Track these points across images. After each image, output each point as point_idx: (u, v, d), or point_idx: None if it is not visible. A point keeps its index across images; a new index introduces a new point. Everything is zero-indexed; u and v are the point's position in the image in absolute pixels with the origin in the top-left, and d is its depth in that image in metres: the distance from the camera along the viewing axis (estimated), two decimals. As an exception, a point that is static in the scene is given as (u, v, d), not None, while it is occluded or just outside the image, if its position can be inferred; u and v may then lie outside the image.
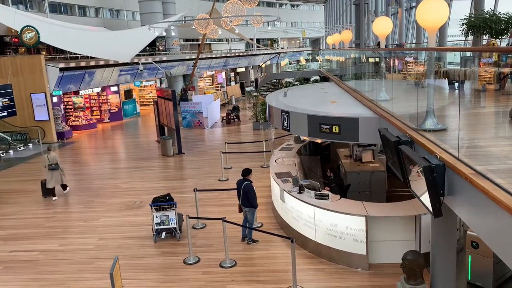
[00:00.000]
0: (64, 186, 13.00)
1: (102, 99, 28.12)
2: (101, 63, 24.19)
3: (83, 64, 23.27)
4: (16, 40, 25.19)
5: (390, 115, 6.60)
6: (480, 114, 6.91)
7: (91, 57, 24.36)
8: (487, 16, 11.04)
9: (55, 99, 21.81)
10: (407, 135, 5.33)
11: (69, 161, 15.05)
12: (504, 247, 3.09)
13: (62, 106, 23.04)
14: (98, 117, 27.69)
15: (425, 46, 12.11)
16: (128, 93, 30.47)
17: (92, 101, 28.15)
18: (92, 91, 26.80)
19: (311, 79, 27.29)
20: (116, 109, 28.14)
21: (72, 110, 25.77)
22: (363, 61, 12.69)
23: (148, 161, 16.76)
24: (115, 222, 10.62)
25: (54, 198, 12.56)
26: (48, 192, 12.68)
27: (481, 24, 10.87)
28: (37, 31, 20.49)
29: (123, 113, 28.52)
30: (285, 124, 9.34)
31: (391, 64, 10.16)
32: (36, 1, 28.50)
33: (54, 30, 23.89)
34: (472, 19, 11.44)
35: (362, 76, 12.01)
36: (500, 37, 10.77)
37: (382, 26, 8.32)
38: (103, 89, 27.42)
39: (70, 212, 11.77)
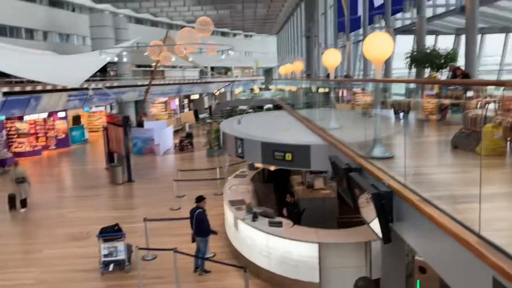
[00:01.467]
0: (23, 203, 13.45)
1: (49, 125, 26.99)
2: (49, 87, 23.35)
3: (29, 88, 22.35)
4: (-44, 62, 23.87)
5: (340, 143, 6.79)
6: (425, 142, 7.25)
7: (38, 82, 23.46)
8: (428, 51, 11.78)
9: (-4, 125, 20.73)
10: (356, 163, 5.48)
11: (11, 190, 14.22)
12: (449, 271, 3.19)
13: (4, 132, 21.87)
14: (44, 143, 26.47)
15: (372, 77, 12.71)
16: (77, 119, 29.48)
17: (38, 127, 26.94)
18: (38, 116, 25.70)
19: (264, 107, 27.69)
20: (63, 135, 27.09)
21: (16, 136, 24.52)
22: (314, 91, 13.07)
23: (96, 190, 16.14)
24: (60, 254, 10.04)
25: (22, 210, 13.38)
26: (13, 206, 13.54)
27: (423, 58, 11.57)
28: (-21, 53, 19.59)
29: (71, 139, 27.49)
30: (239, 151, 9.36)
31: (340, 95, 10.53)
32: (-21, 23, 27.32)
33: (-2, 53, 22.89)
34: (415, 53, 12.16)
35: (313, 105, 12.34)
36: (440, 70, 11.49)
37: (331, 58, 8.64)
38: (50, 114, 26.38)
39: (9, 244, 11.02)
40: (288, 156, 7.96)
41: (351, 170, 5.25)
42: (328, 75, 13.33)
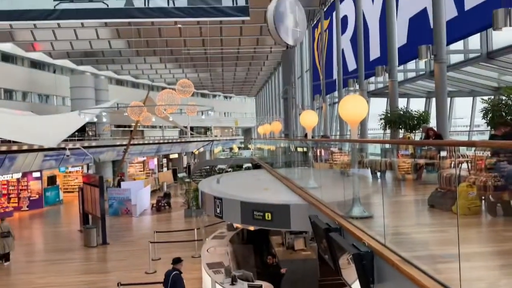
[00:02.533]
0: (7, 256, 14.05)
1: (22, 186, 26.27)
2: (25, 147, 23.00)
3: (3, 148, 21.96)
4: None
5: (319, 203, 6.79)
6: (402, 202, 7.32)
7: (14, 141, 23.13)
8: (401, 113, 12.24)
9: (-33, 185, 20.05)
10: (336, 222, 5.46)
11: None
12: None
13: (-26, 193, 21.14)
14: (16, 204, 25.59)
15: (348, 138, 13.01)
16: (52, 179, 28.84)
17: (11, 187, 26.19)
18: (12, 176, 25.06)
19: (243, 166, 27.77)
20: (37, 196, 26.32)
21: (-14, 197, 23.71)
22: (292, 150, 13.25)
23: (69, 253, 15.47)
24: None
25: (6, 263, 13.84)
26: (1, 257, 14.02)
27: (396, 119, 11.97)
28: (-46, 113, 19.36)
29: (45, 200, 26.69)
30: (218, 211, 9.24)
31: (318, 154, 10.69)
32: (-43, 83, 27.29)
33: (-25, 113, 22.68)
34: (389, 115, 12.60)
35: (292, 164, 12.45)
36: (414, 131, 11.88)
37: (308, 119, 8.88)
38: (24, 174, 25.77)
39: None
40: (268, 216, 7.88)
41: (331, 230, 5.21)
42: (306, 135, 13.61)
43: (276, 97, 41.47)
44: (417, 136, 12.04)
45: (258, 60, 39.40)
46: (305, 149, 11.56)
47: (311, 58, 27.60)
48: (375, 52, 16.45)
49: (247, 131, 76.32)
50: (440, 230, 5.21)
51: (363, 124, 16.35)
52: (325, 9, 23.29)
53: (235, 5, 8.59)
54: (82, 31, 28.49)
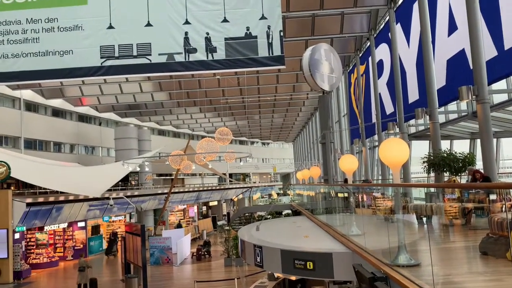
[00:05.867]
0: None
1: (68, 235, 27.00)
2: (71, 198, 23.85)
3: (51, 199, 22.86)
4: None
5: (363, 250, 6.55)
6: (451, 248, 6.95)
7: (61, 192, 24.07)
8: (445, 155, 11.86)
9: (17, 235, 20.80)
10: (382, 271, 5.23)
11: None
12: None
13: (23, 243, 21.87)
14: (61, 254, 26.21)
15: (391, 182, 12.66)
16: (96, 229, 29.49)
17: (57, 237, 26.95)
18: (58, 226, 25.86)
19: (283, 213, 27.43)
20: (81, 245, 26.89)
21: (34, 246, 24.45)
22: (332, 196, 13.01)
23: (111, 303, 15.50)
24: None
25: None
26: None
27: (440, 162, 11.60)
28: (8, 166, 20.43)
29: (89, 250, 27.20)
30: (258, 259, 9.06)
31: (360, 199, 10.44)
32: (11, 137, 29.05)
33: (26, 165, 23.94)
34: (432, 157, 12.24)
35: (332, 211, 12.18)
36: (459, 174, 11.43)
37: (348, 163, 8.76)
38: (70, 224, 26.54)
39: None
40: (310, 265, 7.64)
41: (377, 280, 4.99)
42: (346, 180, 13.37)
43: (314, 142, 41.40)
44: (463, 179, 11.57)
45: (295, 106, 39.83)
46: (346, 195, 11.32)
47: (348, 103, 27.63)
48: (413, 95, 16.29)
49: (285, 177, 75.98)
50: (496, 279, 4.87)
51: (405, 167, 15.94)
52: (360, 55, 23.52)
53: (271, 55, 8.84)
54: (126, 85, 30.02)
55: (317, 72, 13.55)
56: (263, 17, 8.87)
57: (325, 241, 8.91)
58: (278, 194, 48.79)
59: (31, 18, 8.42)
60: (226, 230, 25.93)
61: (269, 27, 8.86)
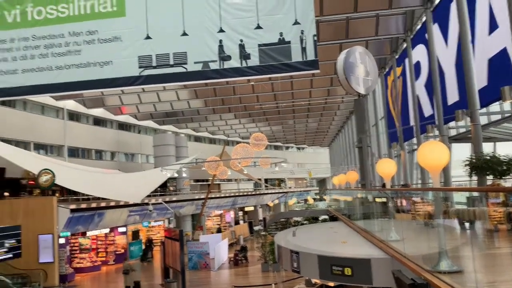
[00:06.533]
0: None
1: (109, 240, 27.81)
2: (112, 203, 24.57)
3: (94, 205, 23.64)
4: (32, 182, 26.07)
5: (403, 256, 6.41)
6: (496, 255, 6.68)
7: (103, 198, 24.86)
8: (488, 158, 11.42)
9: (62, 240, 21.62)
10: (422, 278, 5.09)
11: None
12: None
13: (68, 248, 22.68)
14: (103, 259, 27.02)
15: (431, 186, 12.30)
16: (136, 234, 30.21)
17: (99, 242, 27.80)
18: (100, 232, 26.68)
19: (320, 218, 27.15)
20: (122, 250, 27.62)
21: (78, 251, 25.33)
22: (370, 201, 12.78)
23: (151, 307, 15.83)
24: None
25: None
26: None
27: (483, 165, 11.18)
28: (53, 173, 21.29)
29: (129, 254, 27.89)
30: (295, 265, 9.03)
31: (399, 204, 10.21)
32: (56, 146, 30.28)
33: (70, 173, 24.88)
34: (474, 161, 11.81)
35: (370, 216, 11.97)
36: (503, 177, 10.97)
37: (385, 167, 8.61)
38: (111, 230, 27.33)
39: None
40: (348, 271, 7.55)
41: (417, 286, 4.87)
42: (384, 185, 13.11)
43: (351, 146, 40.84)
44: (508, 182, 11.09)
45: (329, 111, 39.47)
46: (384, 200, 11.11)
47: (385, 106, 27.10)
48: (453, 96, 15.81)
49: (321, 182, 75.24)
50: (545, 287, 4.64)
51: (446, 171, 15.46)
52: (396, 57, 23.07)
53: (304, 59, 8.84)
54: (163, 93, 30.74)
55: (352, 76, 13.40)
56: (296, 23, 8.88)
57: (363, 247, 8.77)
58: (314, 199, 48.33)
59: (73, 31, 8.80)
60: (262, 236, 25.96)
61: (302, 32, 8.86)
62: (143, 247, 29.68)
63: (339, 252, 8.39)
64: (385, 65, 25.92)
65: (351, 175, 17.87)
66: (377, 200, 11.68)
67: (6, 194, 25.34)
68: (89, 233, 25.82)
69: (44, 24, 8.85)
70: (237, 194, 43.52)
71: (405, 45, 20.86)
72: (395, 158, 25.39)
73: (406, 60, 20.82)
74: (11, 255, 18.68)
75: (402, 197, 10.96)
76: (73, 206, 21.93)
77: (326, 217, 24.30)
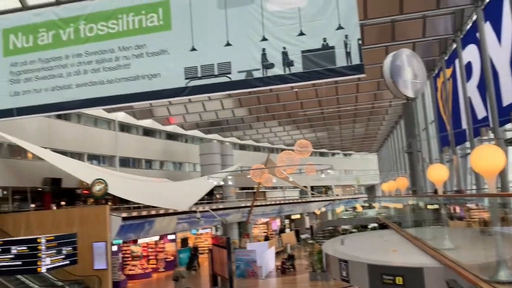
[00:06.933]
0: None
1: (159, 248, 28.49)
2: (161, 211, 25.20)
3: (144, 213, 24.34)
4: (86, 192, 27.27)
5: (457, 265, 6.12)
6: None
7: (152, 207, 25.57)
8: (549, 160, 10.72)
9: (114, 248, 22.37)
10: (478, 287, 4.84)
11: None
12: None
13: (120, 255, 23.44)
14: (154, 266, 27.71)
15: (486, 192, 11.71)
16: (184, 241, 30.77)
17: (150, 249, 28.56)
18: (151, 239, 27.40)
19: (369, 226, 26.52)
20: (172, 257, 28.20)
21: (130, 258, 26.12)
22: (422, 208, 12.34)
23: (200, 314, 16.03)
24: None
25: None
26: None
27: (543, 168, 10.51)
28: (106, 183, 22.14)
29: (179, 261, 28.44)
30: (344, 274, 8.85)
31: (452, 211, 9.79)
32: (108, 156, 31.52)
33: (122, 182, 25.81)
34: (533, 163, 11.12)
35: (422, 223, 11.55)
36: None
37: (437, 173, 8.30)
38: (161, 237, 28.00)
39: None
40: (399, 280, 7.30)
41: (474, 297, 4.64)
42: (435, 191, 12.63)
43: (400, 151, 39.69)
44: None
45: (377, 115, 38.61)
46: (436, 206, 10.69)
47: (435, 109, 26.14)
48: (508, 97, 15.00)
49: (370, 189, 73.51)
50: None
51: (502, 175, 14.66)
52: (446, 58, 22.24)
53: (349, 64, 8.71)
54: (209, 103, 31.32)
55: (399, 79, 13.05)
56: (340, 27, 8.78)
57: (415, 255, 8.47)
58: (362, 207, 47.27)
59: (123, 46, 9.17)
60: (310, 244, 25.67)
61: (346, 36, 8.75)
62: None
63: (390, 261, 8.14)
64: (434, 67, 25.07)
65: (401, 181, 17.32)
66: (429, 207, 11.26)
67: (62, 203, 26.68)
68: (140, 241, 26.59)
69: (96, 40, 9.28)
70: (282, 202, 43.36)
71: (454, 46, 20.09)
72: (447, 163, 24.39)
73: (456, 61, 20.02)
74: (68, 262, 19.54)
75: (455, 203, 10.51)
76: (124, 214, 22.67)
77: (376, 225, 23.70)
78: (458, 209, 10.36)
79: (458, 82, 20.26)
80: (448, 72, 22.04)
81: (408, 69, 12.94)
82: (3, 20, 9.88)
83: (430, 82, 25.72)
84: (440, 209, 10.32)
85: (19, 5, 14.72)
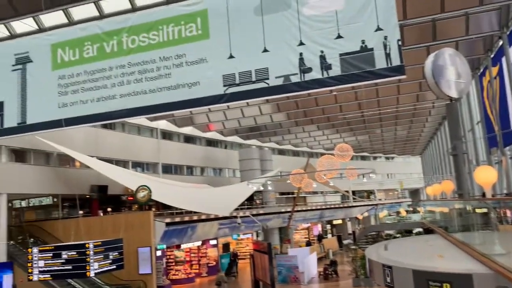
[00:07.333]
0: None
1: (202, 253, 28.88)
2: (203, 217, 25.57)
3: (186, 218, 24.78)
4: (131, 198, 28.09)
5: (509, 272, 5.85)
6: None
7: (195, 212, 25.98)
8: None
9: (158, 253, 22.87)
10: (535, 296, 4.61)
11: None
12: None
13: (164, 260, 23.93)
14: (197, 271, 28.09)
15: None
16: (226, 247, 31.03)
17: (192, 254, 29.00)
18: (193, 244, 27.82)
19: (413, 231, 25.76)
20: (214, 262, 28.49)
21: (173, 263, 26.62)
22: (469, 211, 11.88)
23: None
24: None
25: None
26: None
27: None
28: (149, 189, 22.72)
29: (221, 266, 28.71)
30: (388, 280, 8.65)
31: (503, 215, 9.36)
32: (151, 163, 32.36)
33: (164, 189, 26.40)
34: None
35: (470, 228, 11.11)
36: None
37: (484, 175, 8.00)
38: (203, 242, 28.36)
39: None
40: (446, 287, 7.06)
41: (528, 305, 4.42)
42: (483, 194, 12.13)
43: (445, 154, 38.37)
44: None
45: (419, 117, 37.53)
46: (485, 210, 10.26)
47: (481, 109, 25.12)
48: (562, 94, 14.23)
49: (414, 193, 71.40)
50: None
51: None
52: (492, 56, 21.37)
53: (389, 65, 8.53)
54: (247, 109, 31.56)
55: (442, 79, 12.66)
56: (378, 29, 8.64)
57: (462, 261, 8.17)
58: (406, 211, 45.96)
59: (163, 56, 9.41)
60: (352, 249, 25.24)
61: (385, 38, 8.59)
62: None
63: (436, 267, 7.88)
64: (479, 65, 24.14)
65: (447, 184, 16.80)
66: (477, 210, 10.83)
67: (109, 209, 27.60)
68: (183, 246, 27.05)
69: (138, 52, 9.58)
70: (323, 207, 42.88)
71: (501, 43, 19.27)
72: (496, 165, 23.35)
73: (503, 59, 19.18)
74: (114, 266, 20.17)
75: (505, 207, 10.05)
76: (168, 220, 23.16)
77: (421, 229, 23.00)
78: (508, 212, 9.89)
79: (506, 80, 19.40)
80: (495, 70, 21.15)
81: (451, 69, 12.55)
82: (51, 35, 10.37)
83: (475, 81, 24.77)
84: (489, 212, 9.91)
85: (65, 20, 15.51)
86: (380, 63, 8.46)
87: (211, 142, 39.54)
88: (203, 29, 9.20)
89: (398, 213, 47.89)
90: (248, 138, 41.96)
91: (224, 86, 8.95)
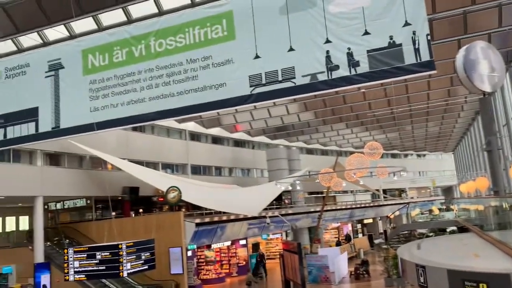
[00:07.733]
0: None
1: (231, 253, 29.03)
2: (232, 217, 25.70)
3: (216, 219, 24.97)
4: (161, 199, 28.53)
5: (551, 272, 5.62)
6: None
7: (224, 212, 26.15)
8: None
9: (189, 253, 23.12)
10: None
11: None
12: None
13: (195, 260, 24.18)
14: (227, 270, 28.26)
15: None
16: (256, 246, 31.08)
17: (222, 254, 29.20)
18: (223, 244, 28.00)
19: (447, 230, 25.10)
20: (244, 262, 28.59)
21: (204, 263, 26.87)
22: (506, 209, 11.49)
23: (274, 319, 16.07)
24: None
25: None
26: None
27: None
28: (179, 190, 23.01)
29: (250, 266, 28.78)
30: (421, 280, 8.46)
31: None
32: (180, 165, 32.77)
33: (194, 189, 26.68)
34: None
35: (507, 226, 10.74)
36: None
37: (522, 171, 7.67)
38: (233, 242, 28.51)
39: None
40: (483, 287, 6.84)
41: None
42: (521, 191, 11.69)
43: (479, 150, 37.23)
44: None
45: (451, 113, 36.56)
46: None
47: (516, 103, 24.28)
48: None
49: (447, 190, 69.62)
50: None
51: None
52: (527, 47, 20.61)
53: (418, 61, 8.32)
54: (274, 109, 31.52)
55: (474, 73, 12.29)
56: (406, 24, 8.44)
57: (499, 260, 7.90)
58: (439, 209, 44.83)
59: (190, 59, 9.49)
60: (384, 249, 24.82)
61: (414, 33, 8.38)
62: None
63: (472, 266, 7.65)
64: (514, 57, 23.31)
65: (481, 181, 16.31)
66: (515, 208, 10.46)
67: (140, 210, 28.13)
68: (213, 246, 27.26)
69: (165, 55, 9.69)
70: (353, 206, 42.35)
71: (536, 33, 18.56)
72: (534, 160, 22.48)
73: (540, 50, 18.47)
74: (146, 267, 20.52)
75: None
76: (198, 220, 23.40)
77: (455, 228, 22.38)
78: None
79: (543, 72, 18.68)
80: (531, 62, 20.38)
81: (483, 62, 12.17)
82: (82, 41, 10.63)
83: (510, 74, 23.94)
84: (527, 210, 9.54)
85: (95, 26, 15.90)
86: (409, 58, 8.27)
87: (238, 143, 39.70)
88: (228, 31, 9.22)
89: (430, 211, 46.79)
90: (275, 138, 41.90)
91: (251, 86, 8.94)
